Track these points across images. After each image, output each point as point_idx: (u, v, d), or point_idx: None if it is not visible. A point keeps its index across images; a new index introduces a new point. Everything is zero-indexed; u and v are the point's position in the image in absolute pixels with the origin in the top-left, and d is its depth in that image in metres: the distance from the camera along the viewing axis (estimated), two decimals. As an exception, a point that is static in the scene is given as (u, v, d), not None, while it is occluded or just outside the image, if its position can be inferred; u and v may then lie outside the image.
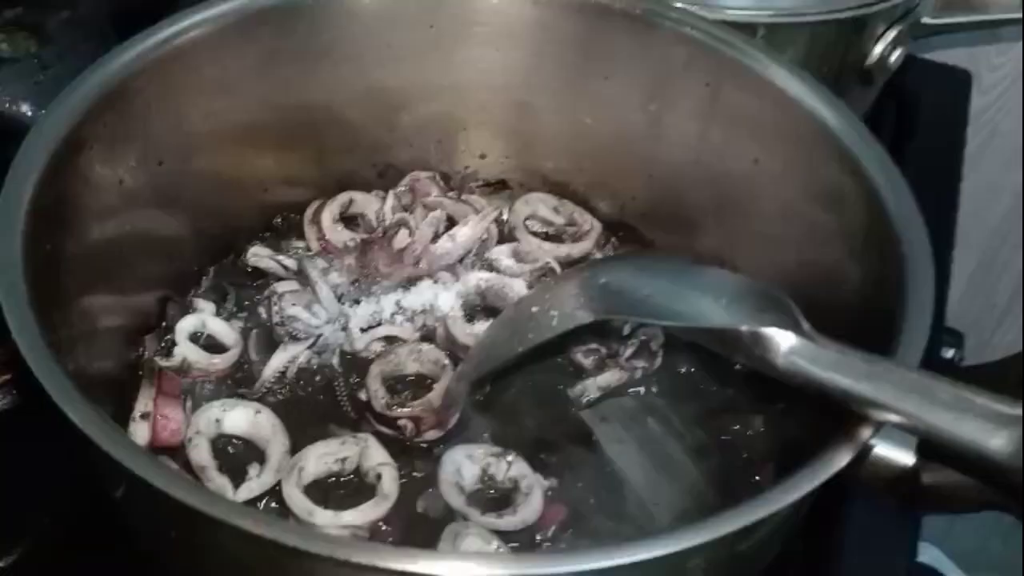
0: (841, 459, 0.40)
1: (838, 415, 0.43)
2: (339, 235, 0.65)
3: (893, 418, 0.39)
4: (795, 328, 0.41)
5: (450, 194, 0.70)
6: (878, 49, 0.74)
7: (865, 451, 0.40)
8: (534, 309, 0.51)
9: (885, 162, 0.52)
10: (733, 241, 0.63)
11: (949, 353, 0.84)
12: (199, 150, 0.59)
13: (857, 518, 0.63)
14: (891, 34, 0.74)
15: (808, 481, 0.39)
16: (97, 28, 0.58)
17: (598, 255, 0.68)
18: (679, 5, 0.63)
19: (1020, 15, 0.82)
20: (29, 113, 0.54)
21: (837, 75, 0.73)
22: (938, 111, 0.98)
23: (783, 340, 0.41)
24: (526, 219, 0.70)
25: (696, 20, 0.61)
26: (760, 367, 0.42)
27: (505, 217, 0.70)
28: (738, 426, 0.59)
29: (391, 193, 0.68)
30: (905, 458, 0.43)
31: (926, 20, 0.79)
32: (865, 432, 0.40)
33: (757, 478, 0.57)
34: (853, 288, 0.53)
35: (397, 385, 0.59)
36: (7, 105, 0.54)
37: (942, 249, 0.87)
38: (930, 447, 0.42)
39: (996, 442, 0.36)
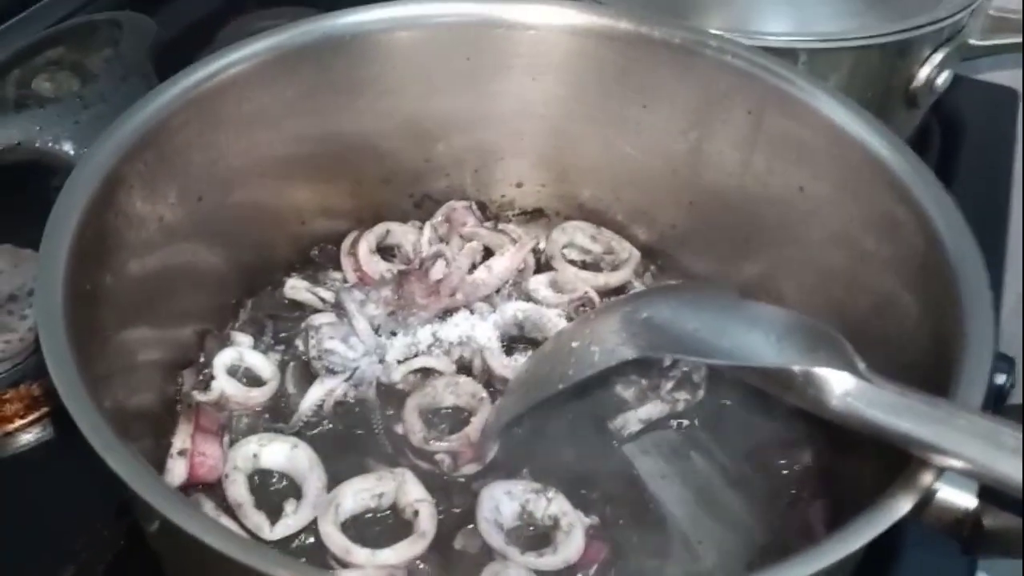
0: (902, 506, 0.38)
1: (893, 453, 0.41)
2: (376, 266, 0.65)
3: (956, 464, 0.37)
4: (851, 368, 0.40)
5: (486, 223, 0.69)
6: (924, 72, 0.72)
7: (927, 497, 0.39)
8: (574, 344, 0.50)
9: (938, 192, 0.50)
10: (777, 270, 0.62)
11: (1000, 379, 0.82)
12: (238, 184, 0.60)
13: (913, 552, 0.60)
14: (937, 57, 0.72)
15: (868, 530, 0.37)
16: (138, 66, 0.59)
17: (637, 284, 0.67)
18: (719, 32, 0.62)
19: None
20: (71, 152, 0.55)
21: (882, 99, 0.72)
22: (985, 131, 0.96)
23: (838, 381, 0.39)
24: (563, 248, 0.69)
25: (736, 48, 0.60)
26: (813, 408, 0.41)
27: (542, 246, 0.69)
28: (785, 460, 0.57)
29: (428, 224, 0.67)
30: (966, 501, 0.41)
31: (973, 42, 0.77)
32: (927, 478, 0.39)
33: (806, 515, 0.55)
34: (908, 320, 0.51)
35: (434, 418, 0.58)
36: (49, 144, 0.55)
37: (993, 273, 0.85)
38: (992, 490, 0.40)
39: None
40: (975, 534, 0.41)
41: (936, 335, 0.47)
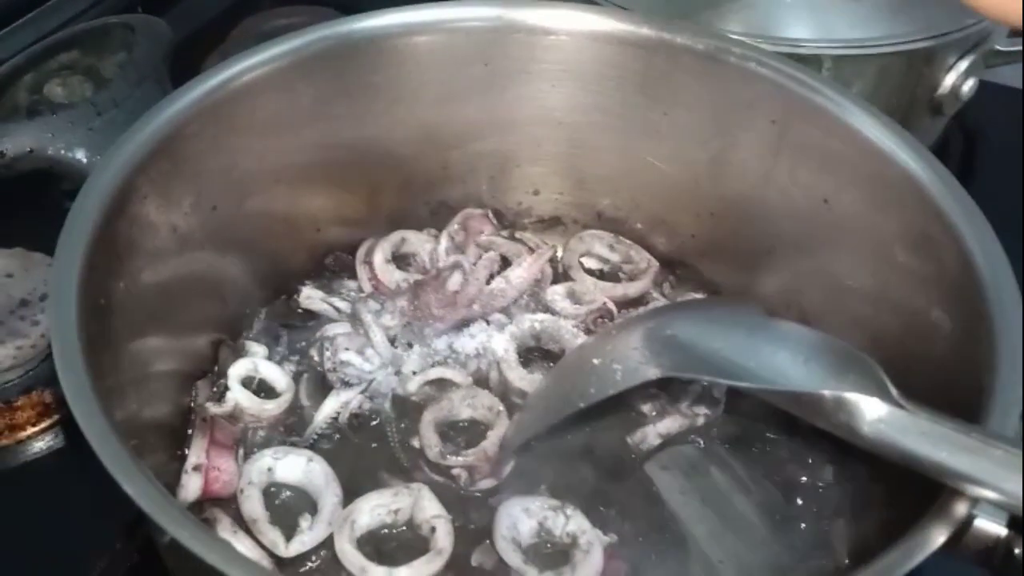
0: (936, 538, 0.37)
1: (918, 475, 0.40)
2: (391, 275, 0.64)
3: (991, 495, 0.36)
4: (882, 394, 0.39)
5: (503, 232, 0.68)
6: (950, 80, 0.71)
7: (962, 529, 0.37)
8: (596, 361, 0.49)
9: (970, 208, 0.49)
10: (800, 284, 0.61)
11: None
12: (252, 192, 0.59)
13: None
14: (963, 64, 0.71)
15: (903, 563, 0.36)
16: (152, 71, 0.58)
17: (655, 294, 0.66)
18: (742, 39, 0.61)
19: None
20: (84, 160, 0.54)
21: (907, 107, 0.71)
22: (1007, 136, 0.94)
23: (869, 407, 0.38)
24: (581, 257, 0.68)
25: (762, 55, 0.59)
26: (842, 434, 0.40)
27: (559, 255, 0.68)
28: (806, 477, 0.56)
29: (445, 233, 0.66)
30: (997, 528, 0.40)
31: (999, 48, 0.75)
32: (961, 508, 0.38)
33: (827, 534, 0.54)
34: (938, 340, 0.50)
35: (450, 432, 0.57)
36: (62, 151, 0.54)
37: (1019, 283, 0.83)
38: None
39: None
40: (1007, 563, 0.40)
41: (967, 357, 0.46)
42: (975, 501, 0.38)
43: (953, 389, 0.46)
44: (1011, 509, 0.37)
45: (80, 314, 0.44)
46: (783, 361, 0.43)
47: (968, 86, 0.72)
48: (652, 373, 0.45)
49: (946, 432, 0.38)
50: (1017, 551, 0.40)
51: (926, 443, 0.38)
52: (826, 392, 0.39)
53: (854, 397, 0.38)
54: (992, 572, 0.41)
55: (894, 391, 0.39)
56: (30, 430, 0.63)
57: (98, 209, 0.47)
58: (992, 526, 0.40)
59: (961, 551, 0.40)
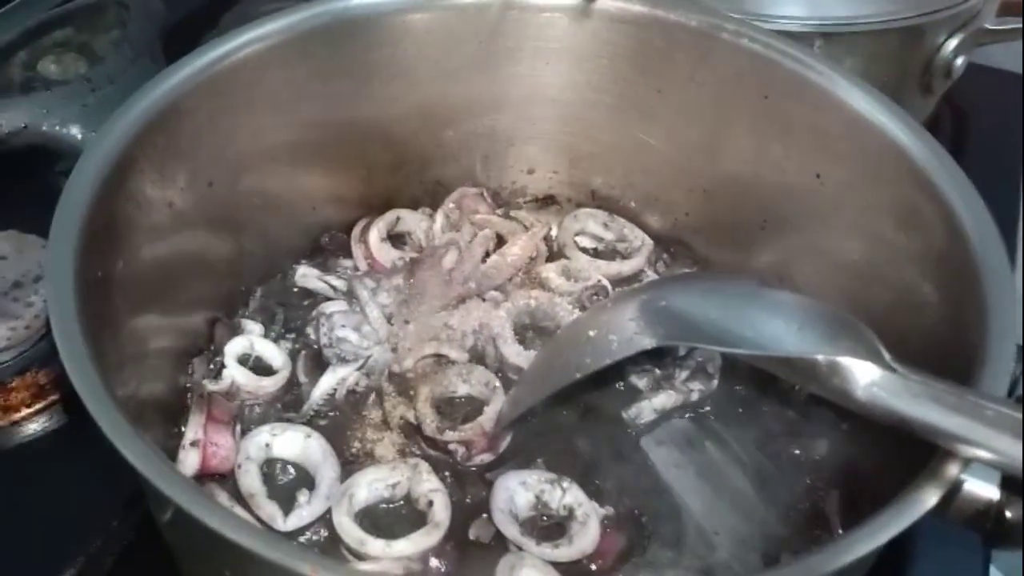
0: (929, 499, 0.37)
1: (909, 443, 0.41)
2: (387, 254, 0.64)
3: (983, 455, 0.37)
4: (876, 358, 0.39)
5: (498, 210, 0.68)
6: (940, 57, 0.71)
7: (954, 489, 0.38)
8: (591, 333, 0.50)
9: (960, 180, 0.49)
10: (792, 259, 0.61)
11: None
12: (248, 170, 0.59)
13: (927, 545, 0.60)
14: (953, 42, 0.71)
15: (895, 523, 0.36)
16: (147, 47, 0.58)
17: (649, 272, 0.67)
18: (734, 15, 0.61)
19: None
20: (79, 136, 0.54)
21: (897, 85, 0.71)
22: (996, 118, 0.95)
23: (863, 371, 0.39)
24: (576, 235, 0.68)
25: (753, 31, 0.59)
26: (837, 398, 0.40)
27: (554, 233, 0.68)
28: (799, 450, 0.57)
29: (440, 211, 0.67)
30: (989, 492, 0.41)
31: (989, 26, 0.76)
32: (953, 469, 0.38)
33: (821, 506, 0.55)
34: (927, 312, 0.50)
35: (447, 407, 0.57)
36: (56, 127, 0.54)
37: (1005, 262, 0.84)
38: (1014, 481, 0.40)
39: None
40: (998, 526, 0.41)
41: (957, 327, 0.46)
42: (967, 463, 0.38)
43: (944, 360, 0.46)
44: (1003, 468, 0.37)
45: (78, 290, 0.44)
46: (778, 328, 0.44)
47: (958, 64, 0.73)
48: (647, 342, 0.46)
49: (938, 394, 0.38)
50: (1009, 514, 0.41)
51: (919, 405, 0.38)
52: (820, 357, 0.39)
53: (847, 361, 0.39)
54: (984, 535, 0.42)
55: (887, 355, 0.40)
56: (24, 411, 0.63)
57: (95, 182, 0.47)
58: (984, 488, 0.40)
59: (953, 515, 0.41)
